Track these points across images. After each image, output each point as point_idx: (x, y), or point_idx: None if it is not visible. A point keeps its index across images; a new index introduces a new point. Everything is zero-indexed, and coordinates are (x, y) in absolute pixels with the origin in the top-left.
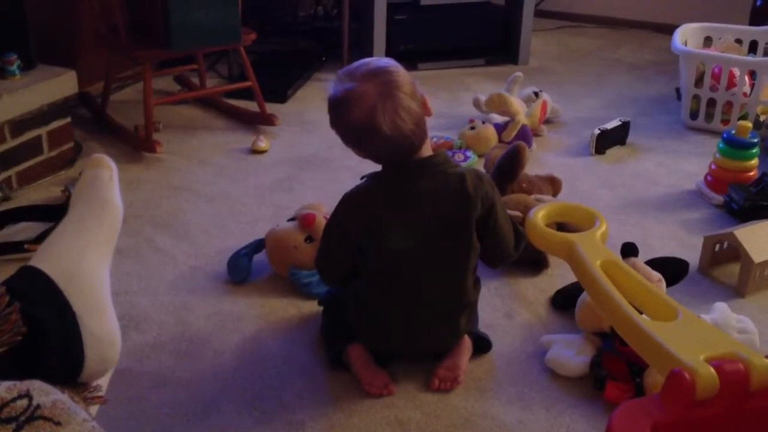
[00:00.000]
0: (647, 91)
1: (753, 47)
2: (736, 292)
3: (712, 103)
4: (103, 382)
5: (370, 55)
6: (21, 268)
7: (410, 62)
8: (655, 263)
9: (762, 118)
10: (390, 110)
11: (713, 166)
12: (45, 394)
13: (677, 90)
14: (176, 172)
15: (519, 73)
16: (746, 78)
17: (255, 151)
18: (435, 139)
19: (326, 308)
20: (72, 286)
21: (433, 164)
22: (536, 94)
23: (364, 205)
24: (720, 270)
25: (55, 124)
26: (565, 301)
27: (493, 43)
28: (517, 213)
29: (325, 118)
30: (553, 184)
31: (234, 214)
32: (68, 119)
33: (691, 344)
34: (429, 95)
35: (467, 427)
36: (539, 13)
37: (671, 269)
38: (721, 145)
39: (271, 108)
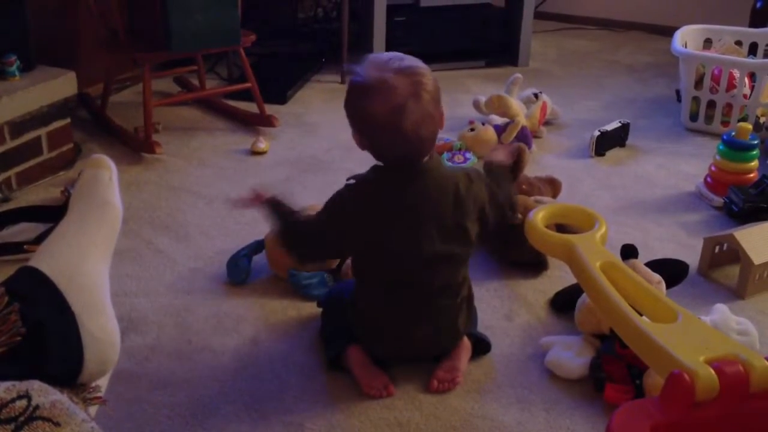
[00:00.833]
0: (647, 93)
1: (753, 49)
2: (735, 293)
3: (711, 105)
4: (103, 383)
5: None
6: (20, 269)
7: None
8: (654, 265)
9: (762, 119)
10: (416, 112)
11: (713, 168)
12: (44, 394)
13: (677, 92)
14: (176, 173)
15: (519, 75)
16: (746, 80)
17: (254, 153)
18: None
19: (325, 310)
20: (71, 287)
21: (428, 168)
22: (536, 95)
23: (364, 205)
24: (720, 272)
25: (54, 125)
26: (564, 302)
27: (493, 44)
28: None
29: (325, 119)
30: (552, 186)
31: (233, 215)
32: (68, 120)
33: (691, 346)
34: None
35: (466, 428)
36: (539, 15)
37: (671, 271)
38: (720, 146)
39: (270, 109)
